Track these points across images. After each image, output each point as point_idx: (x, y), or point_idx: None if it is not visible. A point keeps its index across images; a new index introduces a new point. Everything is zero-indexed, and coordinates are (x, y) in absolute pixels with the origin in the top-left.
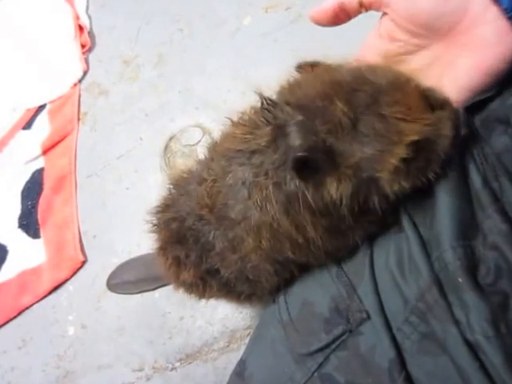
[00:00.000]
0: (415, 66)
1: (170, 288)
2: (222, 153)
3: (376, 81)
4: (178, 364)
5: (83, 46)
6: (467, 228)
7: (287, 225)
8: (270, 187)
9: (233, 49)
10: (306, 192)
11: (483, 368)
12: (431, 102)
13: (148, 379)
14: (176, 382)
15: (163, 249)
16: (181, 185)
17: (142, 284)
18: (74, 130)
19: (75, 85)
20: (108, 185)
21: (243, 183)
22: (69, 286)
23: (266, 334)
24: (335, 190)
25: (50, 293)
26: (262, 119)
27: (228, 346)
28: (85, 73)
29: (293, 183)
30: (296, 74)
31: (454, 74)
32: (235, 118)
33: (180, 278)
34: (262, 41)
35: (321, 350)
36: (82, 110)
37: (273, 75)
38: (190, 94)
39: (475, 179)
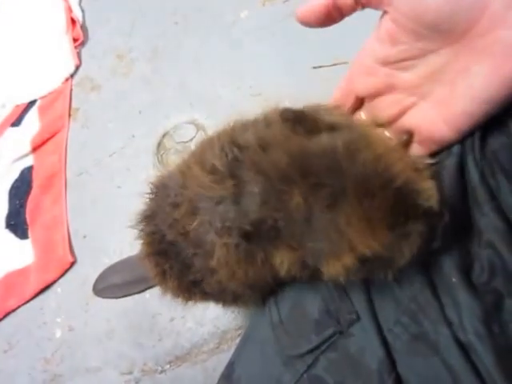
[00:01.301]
0: (421, 73)
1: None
2: (192, 191)
3: (349, 175)
4: (168, 366)
5: (75, 40)
6: (462, 226)
7: (250, 270)
8: (231, 239)
9: (229, 43)
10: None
11: (475, 369)
12: (409, 206)
13: (136, 382)
14: None
15: (148, 259)
16: (159, 195)
17: (130, 287)
18: (65, 126)
19: (67, 80)
20: (99, 183)
21: (210, 225)
22: (57, 287)
23: (255, 335)
24: (278, 263)
25: (37, 294)
26: (228, 169)
27: (218, 347)
28: (77, 67)
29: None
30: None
31: (468, 82)
32: (203, 161)
33: (166, 288)
34: (259, 35)
35: (310, 351)
36: (74, 105)
37: (269, 70)
38: (185, 90)
39: (473, 174)
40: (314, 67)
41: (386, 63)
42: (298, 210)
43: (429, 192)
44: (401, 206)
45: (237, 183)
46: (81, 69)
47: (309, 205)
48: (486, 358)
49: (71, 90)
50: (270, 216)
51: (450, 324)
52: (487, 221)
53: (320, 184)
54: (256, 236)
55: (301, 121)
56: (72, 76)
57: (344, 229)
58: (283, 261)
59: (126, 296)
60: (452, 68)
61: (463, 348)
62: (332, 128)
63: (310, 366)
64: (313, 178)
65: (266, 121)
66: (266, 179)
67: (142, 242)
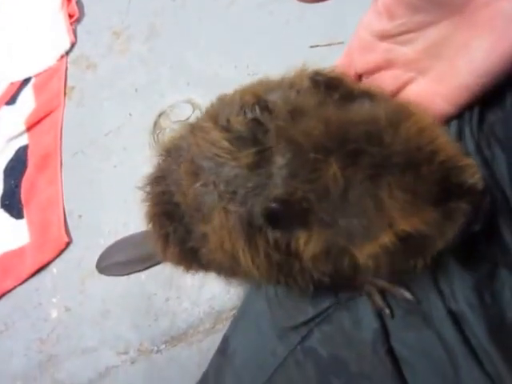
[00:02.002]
0: (419, 47)
1: (156, 269)
2: (198, 147)
3: (390, 146)
4: (163, 347)
5: (71, 17)
6: None
7: (242, 241)
8: (233, 206)
9: (227, 21)
10: (269, 232)
11: (467, 341)
12: (452, 185)
13: (132, 362)
14: (160, 365)
15: (153, 222)
16: (171, 157)
17: (133, 264)
18: (60, 105)
19: (62, 57)
20: (95, 163)
21: (215, 187)
22: (53, 267)
23: (250, 310)
24: (303, 245)
25: (33, 275)
26: (250, 134)
27: (213, 327)
28: (72, 45)
29: (257, 216)
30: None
31: (468, 56)
32: (217, 116)
33: (166, 254)
34: (257, 13)
35: (305, 323)
36: (69, 84)
37: (267, 48)
38: (182, 69)
39: (469, 144)
40: (311, 46)
41: (385, 38)
42: (335, 181)
43: (472, 169)
44: (445, 181)
45: (259, 151)
46: (76, 46)
47: (347, 176)
48: (477, 328)
49: (66, 67)
50: (300, 189)
51: (441, 294)
52: None
53: (360, 151)
54: (281, 215)
55: (336, 86)
56: (67, 53)
57: (386, 202)
58: (308, 242)
59: (129, 274)
60: (451, 42)
61: (455, 319)
62: (367, 97)
63: (304, 338)
64: (352, 145)
65: (293, 85)
66: (297, 148)
67: (148, 203)
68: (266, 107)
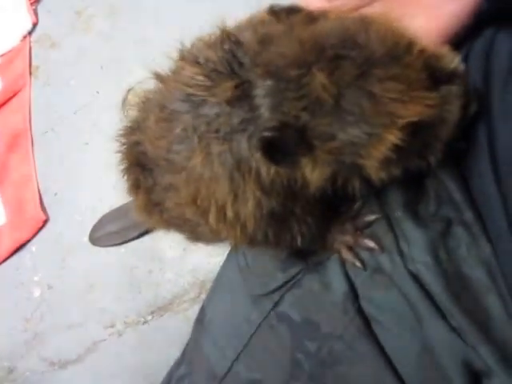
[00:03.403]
0: None
1: (135, 243)
2: (169, 91)
3: (367, 46)
4: (150, 317)
5: None
6: None
7: (225, 191)
8: (218, 147)
9: None
10: (264, 169)
11: (429, 296)
12: (437, 72)
13: (120, 335)
14: (149, 335)
15: (127, 170)
16: (144, 108)
17: (126, 233)
18: (27, 85)
19: (25, 37)
20: (66, 141)
21: (194, 130)
22: (31, 246)
23: (225, 279)
24: (310, 172)
25: (11, 255)
26: (225, 65)
27: (199, 296)
28: (34, 25)
29: (247, 153)
30: (267, 20)
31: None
32: (185, 52)
33: (137, 201)
34: None
35: (277, 289)
36: (34, 63)
37: (232, 22)
38: (146, 45)
39: None
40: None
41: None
42: (325, 89)
43: (450, 55)
44: (430, 68)
45: (238, 84)
46: (38, 26)
47: (335, 81)
48: (434, 285)
49: (30, 47)
50: (291, 110)
51: (402, 254)
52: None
53: (340, 56)
54: (280, 142)
55: (296, 11)
56: (30, 33)
57: (381, 96)
58: (314, 168)
59: (124, 242)
60: (391, 16)
61: (415, 277)
62: (327, 16)
63: (276, 304)
64: (330, 52)
65: (258, 23)
66: (277, 71)
67: (124, 153)
68: (236, 41)
